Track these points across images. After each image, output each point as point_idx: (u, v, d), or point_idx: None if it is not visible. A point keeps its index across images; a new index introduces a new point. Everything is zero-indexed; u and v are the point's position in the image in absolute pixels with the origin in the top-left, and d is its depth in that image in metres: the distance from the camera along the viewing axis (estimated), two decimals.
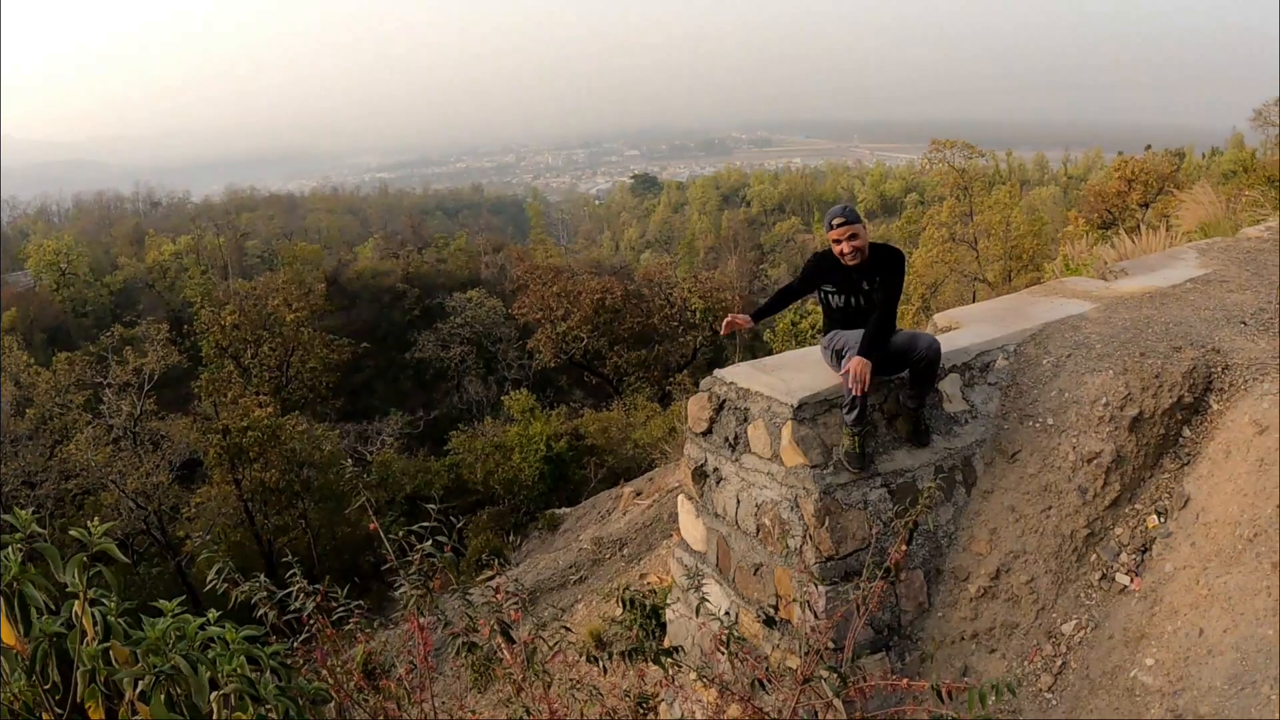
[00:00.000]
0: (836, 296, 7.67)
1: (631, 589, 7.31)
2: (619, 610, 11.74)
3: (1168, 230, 16.89)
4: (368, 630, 5.68)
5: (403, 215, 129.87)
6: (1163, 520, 7.33)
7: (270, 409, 33.68)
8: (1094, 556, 7.43)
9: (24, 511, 3.42)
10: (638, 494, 22.90)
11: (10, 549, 3.32)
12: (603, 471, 32.62)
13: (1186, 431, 7.76)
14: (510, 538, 26.76)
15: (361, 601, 5.58)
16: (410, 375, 64.55)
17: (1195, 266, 11.04)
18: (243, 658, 3.58)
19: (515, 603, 5.82)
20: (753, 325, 8.11)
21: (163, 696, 3.38)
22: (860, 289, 7.56)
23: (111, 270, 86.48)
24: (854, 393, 7.23)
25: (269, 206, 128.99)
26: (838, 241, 7.44)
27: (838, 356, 7.52)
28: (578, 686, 6.28)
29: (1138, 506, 7.54)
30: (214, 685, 3.49)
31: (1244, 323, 8.69)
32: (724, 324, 7.87)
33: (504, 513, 31.66)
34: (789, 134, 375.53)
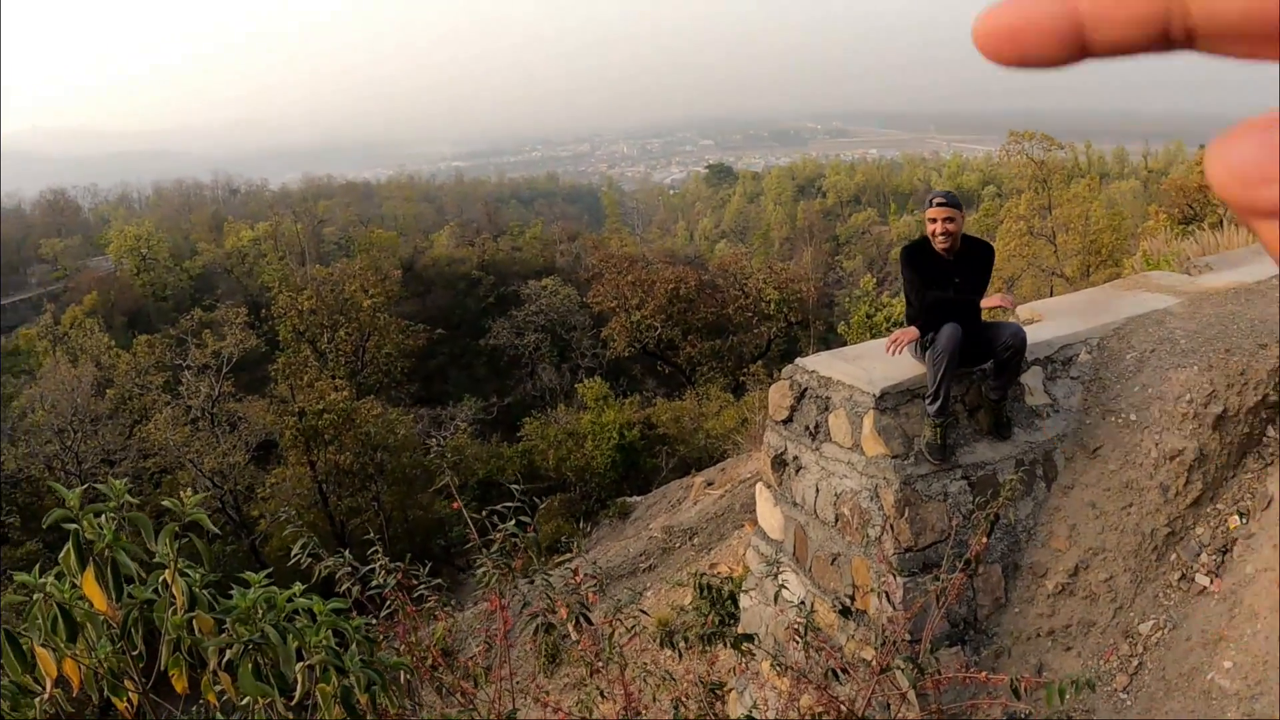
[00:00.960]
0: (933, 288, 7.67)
1: (704, 576, 7.30)
2: (688, 598, 11.76)
3: None
4: (447, 609, 5.74)
5: (478, 203, 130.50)
6: (1245, 521, 7.23)
7: (345, 393, 34.12)
8: (1174, 556, 7.35)
9: (117, 482, 3.48)
10: (709, 484, 22.89)
11: (104, 517, 3.37)
12: (674, 461, 32.72)
13: (1271, 431, 7.66)
14: (581, 525, 26.90)
15: (440, 580, 5.63)
16: (484, 362, 64.84)
17: None
18: (329, 630, 3.63)
19: (593, 585, 5.85)
20: (918, 337, 7.94)
21: (250, 665, 3.43)
22: (951, 281, 7.55)
23: (191, 255, 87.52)
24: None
25: (345, 194, 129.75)
26: (934, 220, 7.47)
27: (922, 347, 7.51)
28: (650, 671, 6.30)
29: (1219, 506, 7.45)
30: (300, 656, 3.54)
31: None
32: (890, 344, 7.75)
33: (575, 500, 31.85)
34: (864, 124, 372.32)
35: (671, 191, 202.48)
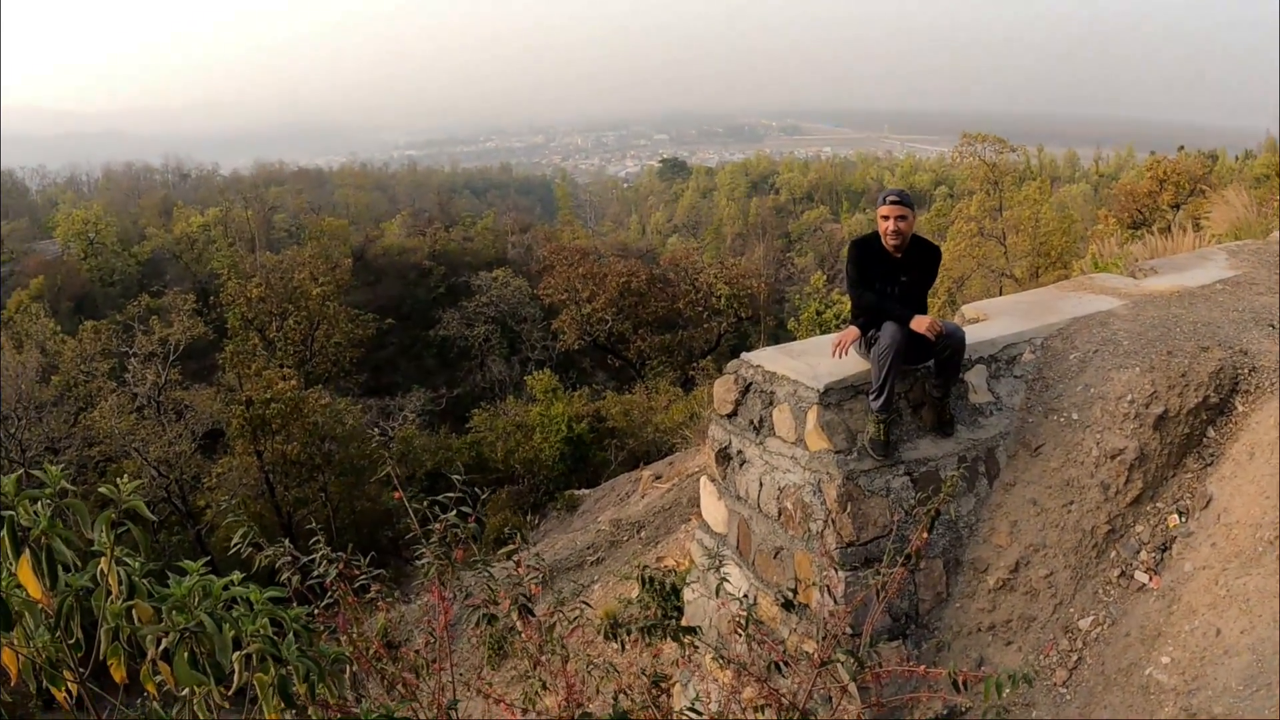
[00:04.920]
0: (876, 284, 7.71)
1: (649, 570, 7.32)
2: (635, 592, 11.78)
3: (1198, 231, 16.81)
4: (389, 600, 5.70)
5: (430, 193, 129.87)
6: (1184, 519, 7.31)
7: (294, 382, 33.82)
8: (1114, 553, 7.43)
9: (54, 468, 3.43)
10: (657, 478, 22.91)
11: (40, 504, 3.33)
12: (623, 454, 32.67)
13: (1211, 432, 7.74)
14: (529, 517, 26.85)
15: (383, 571, 5.59)
16: (434, 353, 64.61)
17: (1225, 268, 10.98)
18: (266, 619, 3.59)
19: (536, 577, 5.84)
20: (860, 336, 7.96)
21: (186, 654, 3.39)
22: (898, 280, 7.61)
23: (139, 241, 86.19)
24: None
25: (297, 181, 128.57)
26: (886, 218, 7.51)
27: (866, 344, 7.56)
28: (594, 664, 6.30)
29: (1159, 505, 7.52)
30: (237, 645, 3.50)
31: (1272, 325, 8.65)
32: (835, 348, 7.81)
33: (523, 492, 31.75)
34: (819, 122, 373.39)
35: (625, 185, 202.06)
